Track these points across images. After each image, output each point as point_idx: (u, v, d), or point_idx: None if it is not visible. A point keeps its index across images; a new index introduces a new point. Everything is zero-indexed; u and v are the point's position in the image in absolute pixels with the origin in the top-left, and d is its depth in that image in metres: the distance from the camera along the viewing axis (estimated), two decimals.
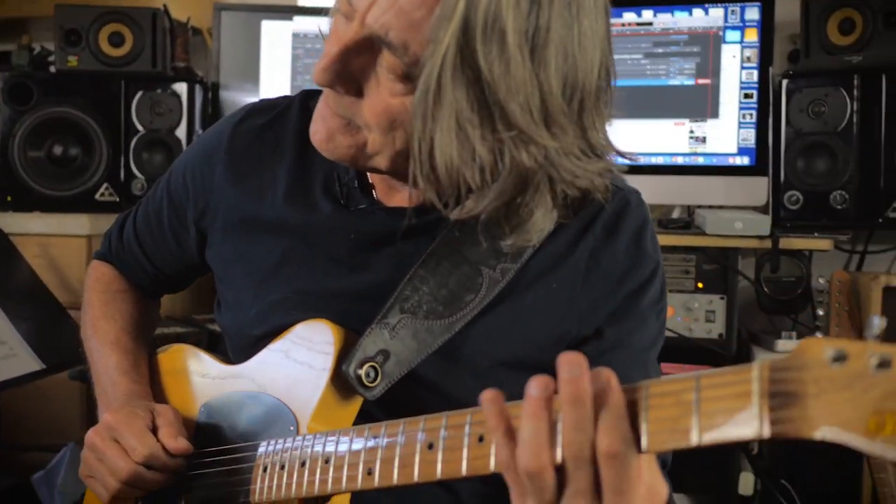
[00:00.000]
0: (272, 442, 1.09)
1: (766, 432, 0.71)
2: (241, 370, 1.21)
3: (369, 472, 0.96)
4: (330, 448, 1.01)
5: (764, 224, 2.44)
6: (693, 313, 2.51)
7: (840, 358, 0.69)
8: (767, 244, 2.46)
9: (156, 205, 1.38)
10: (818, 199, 2.45)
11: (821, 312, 2.38)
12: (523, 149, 0.94)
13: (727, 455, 2.27)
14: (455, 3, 0.89)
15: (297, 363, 1.13)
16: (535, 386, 0.79)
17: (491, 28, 0.90)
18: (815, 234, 2.47)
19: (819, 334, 2.36)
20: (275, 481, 1.06)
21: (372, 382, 1.07)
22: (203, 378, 1.27)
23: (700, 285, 2.55)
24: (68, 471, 1.64)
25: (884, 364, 0.67)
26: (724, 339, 2.50)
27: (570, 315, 1.11)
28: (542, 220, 1.02)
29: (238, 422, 1.18)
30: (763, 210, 2.61)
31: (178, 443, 1.15)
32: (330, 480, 1.00)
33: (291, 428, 1.09)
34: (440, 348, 1.09)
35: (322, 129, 1.05)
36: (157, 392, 1.32)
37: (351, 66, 0.99)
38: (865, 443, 0.66)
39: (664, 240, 2.48)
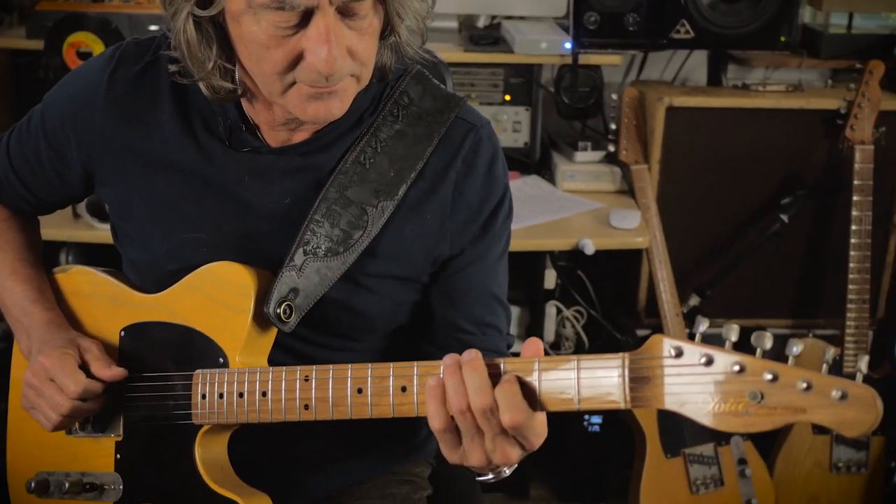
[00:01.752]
0: (206, 372, 1.29)
1: (628, 405, 1.00)
2: (157, 301, 1.37)
3: (306, 407, 1.20)
4: (265, 384, 1.22)
5: (565, 43, 2.67)
6: (502, 124, 2.77)
7: (678, 353, 0.97)
8: (568, 60, 2.70)
9: (31, 143, 1.43)
10: (614, 19, 2.69)
11: (613, 126, 2.70)
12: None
13: (534, 259, 2.63)
14: None
15: (215, 301, 1.31)
16: (448, 357, 1.09)
17: None
18: (609, 51, 2.73)
19: (611, 147, 2.70)
20: (215, 408, 1.27)
21: (287, 318, 1.28)
22: (116, 303, 1.41)
23: (507, 98, 2.80)
24: None
25: (709, 362, 0.96)
26: (529, 146, 2.79)
27: (441, 240, 1.33)
28: None
29: (162, 348, 1.35)
30: (563, 22, 2.83)
31: (111, 371, 1.32)
32: (270, 411, 1.22)
33: (221, 360, 1.29)
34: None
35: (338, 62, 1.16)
36: (67, 315, 1.44)
37: (339, 41, 1.14)
38: (696, 417, 0.96)
39: (475, 57, 2.68)
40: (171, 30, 1.22)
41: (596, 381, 1.02)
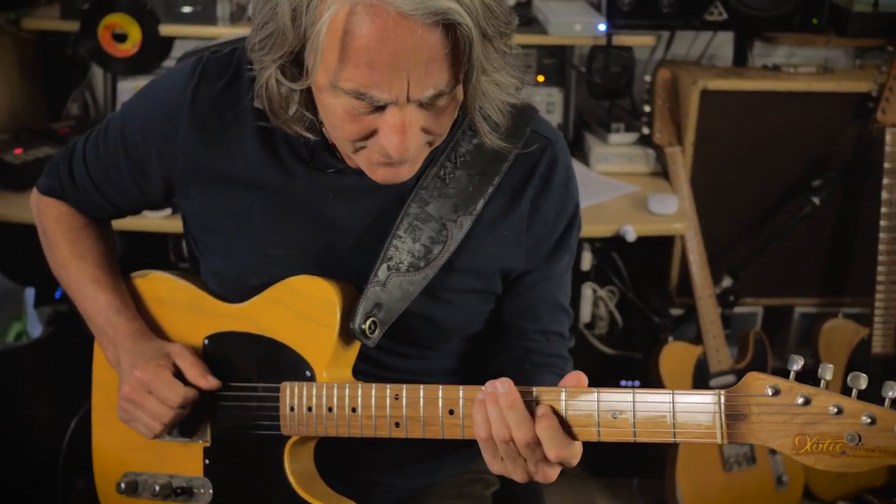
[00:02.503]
0: (293, 385, 1.32)
1: (725, 440, 1.05)
2: (240, 311, 1.40)
3: (397, 425, 1.24)
4: (354, 400, 1.27)
5: (599, 25, 2.68)
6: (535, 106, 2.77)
7: (776, 392, 1.02)
8: (602, 41, 2.71)
9: (110, 154, 1.44)
10: (648, 1, 2.69)
11: (647, 109, 2.71)
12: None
13: None
14: (469, 35, 1.08)
15: (300, 315, 1.34)
16: (489, 385, 1.16)
17: (486, 12, 1.11)
18: (642, 32, 2.74)
19: (645, 129, 2.72)
20: (304, 420, 1.31)
21: (372, 333, 1.32)
22: (198, 311, 1.44)
23: (540, 79, 2.81)
24: None
25: (806, 402, 1.00)
26: (562, 128, 2.81)
27: (517, 255, 1.37)
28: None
29: (246, 358, 1.39)
30: (596, 4, 2.84)
31: (209, 382, 1.37)
32: (360, 426, 1.27)
33: (308, 374, 1.33)
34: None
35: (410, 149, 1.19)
36: (148, 320, 1.48)
37: (414, 129, 1.16)
38: (791, 454, 1.01)
39: None
40: (250, 50, 1.22)
41: (692, 416, 1.06)
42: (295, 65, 1.16)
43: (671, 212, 2.49)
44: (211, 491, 1.42)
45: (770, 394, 1.01)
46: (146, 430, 1.38)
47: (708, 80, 2.67)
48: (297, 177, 1.34)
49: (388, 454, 1.46)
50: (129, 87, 2.82)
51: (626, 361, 2.80)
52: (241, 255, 1.39)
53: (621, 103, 2.93)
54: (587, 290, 2.72)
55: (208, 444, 1.42)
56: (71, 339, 2.57)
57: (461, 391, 1.20)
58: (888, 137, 2.62)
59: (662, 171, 2.72)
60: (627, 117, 2.88)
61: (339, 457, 1.39)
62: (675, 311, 2.77)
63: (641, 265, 2.85)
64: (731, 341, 2.69)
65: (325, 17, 1.07)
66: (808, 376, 2.84)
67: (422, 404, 1.22)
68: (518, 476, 1.16)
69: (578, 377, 1.15)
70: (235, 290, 1.41)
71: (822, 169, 2.74)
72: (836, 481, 2.77)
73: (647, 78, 2.75)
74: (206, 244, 1.44)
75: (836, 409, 0.98)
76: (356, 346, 1.35)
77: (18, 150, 2.53)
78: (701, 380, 2.60)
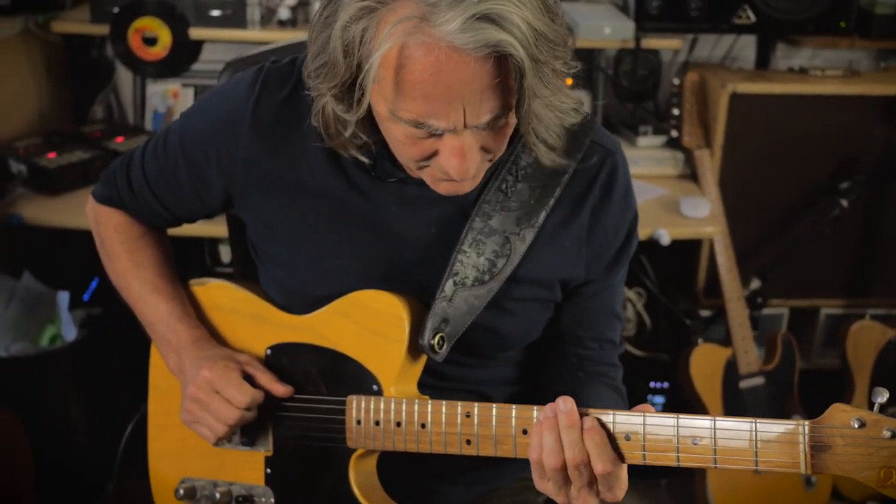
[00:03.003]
0: (360, 398, 1.34)
1: (809, 471, 1.06)
2: (304, 322, 1.41)
3: (468, 443, 1.26)
4: (424, 416, 1.28)
5: (629, 30, 2.69)
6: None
7: (862, 425, 1.03)
8: (630, 44, 2.72)
9: (170, 164, 1.44)
10: (676, 4, 2.70)
11: (676, 112, 2.73)
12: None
13: None
14: (521, 64, 1.08)
15: (367, 329, 1.35)
16: (548, 409, 1.18)
17: (539, 39, 1.11)
18: (669, 36, 2.76)
19: (674, 132, 2.73)
20: (371, 434, 1.33)
21: (440, 348, 1.33)
22: (260, 321, 1.45)
23: (569, 81, 2.81)
24: None
25: (893, 436, 1.01)
26: None
27: (577, 265, 1.38)
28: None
29: (310, 370, 1.40)
30: (617, 2, 2.85)
31: (284, 388, 1.38)
32: (430, 442, 1.28)
33: (374, 388, 1.34)
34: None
35: (470, 170, 1.20)
36: (208, 328, 1.48)
37: (473, 150, 1.17)
38: (876, 486, 1.02)
39: None
40: (307, 77, 1.25)
41: (776, 446, 1.08)
42: (350, 92, 1.18)
43: (703, 215, 2.51)
44: (272, 500, 1.43)
45: (856, 426, 1.02)
46: (210, 432, 1.39)
47: (737, 83, 2.68)
48: (360, 186, 1.35)
49: (447, 464, 1.46)
50: (158, 91, 2.84)
51: (654, 363, 2.82)
52: (304, 265, 1.40)
53: (646, 106, 2.94)
54: None
55: (270, 454, 1.43)
56: (104, 342, 2.60)
57: (535, 411, 1.21)
58: None
59: (690, 174, 2.74)
60: (653, 120, 2.89)
61: (400, 466, 1.40)
62: (704, 313, 2.79)
63: (668, 267, 2.87)
64: (758, 342, 2.71)
65: (377, 54, 1.09)
66: (834, 377, 2.81)
67: (494, 423, 1.24)
68: (560, 499, 1.20)
69: (645, 407, 1.17)
70: (298, 300, 1.42)
71: (849, 171, 2.75)
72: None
73: (676, 81, 2.77)
74: (267, 254, 1.45)
75: None
76: (423, 360, 1.36)
77: (52, 154, 2.54)
78: (730, 381, 2.62)
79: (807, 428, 1.05)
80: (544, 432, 1.15)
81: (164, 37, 2.71)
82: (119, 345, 2.63)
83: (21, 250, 2.72)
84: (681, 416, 1.13)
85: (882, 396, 1.03)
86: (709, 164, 2.68)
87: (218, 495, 1.46)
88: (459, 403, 1.26)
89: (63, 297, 2.54)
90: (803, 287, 2.88)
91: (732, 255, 2.66)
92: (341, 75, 1.16)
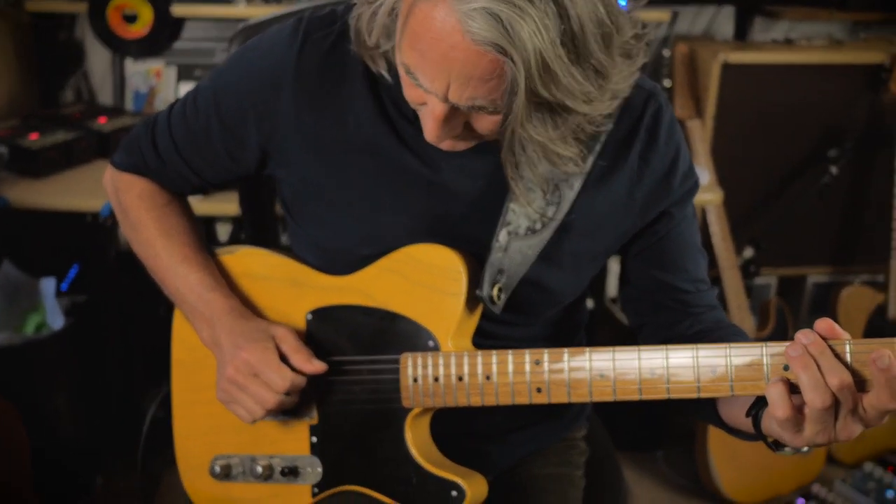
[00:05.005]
0: (415, 355, 1.30)
1: None
2: (349, 283, 1.36)
3: (539, 391, 1.22)
4: (489, 367, 1.25)
5: (620, 1, 2.67)
6: None
7: None
8: None
9: (201, 122, 1.39)
10: None
11: (667, 84, 2.73)
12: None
13: None
14: (516, 79, 1.04)
15: (420, 285, 1.31)
16: (793, 347, 1.06)
17: (546, 76, 1.05)
18: (655, 8, 2.75)
19: None
20: (430, 391, 1.29)
21: (499, 299, 1.30)
22: (298, 285, 1.40)
23: None
24: None
25: None
26: None
27: (631, 212, 1.34)
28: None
29: (356, 332, 1.35)
30: None
31: (314, 366, 1.32)
32: (496, 394, 1.25)
33: (430, 344, 1.30)
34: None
35: (445, 140, 1.17)
36: (241, 298, 1.42)
37: (452, 122, 1.14)
38: None
39: None
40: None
41: None
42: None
43: (703, 183, 2.50)
44: (320, 469, 1.38)
45: None
46: (247, 414, 1.33)
47: (728, 53, 2.69)
48: (407, 139, 1.31)
49: (485, 424, 1.45)
50: (138, 70, 2.76)
51: None
52: (348, 223, 1.35)
53: None
54: (612, 264, 2.73)
55: (315, 422, 1.38)
56: (92, 330, 2.51)
57: (613, 354, 1.18)
58: None
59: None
60: None
61: (445, 430, 1.37)
62: None
63: None
64: (750, 311, 2.73)
65: None
66: None
67: (566, 368, 1.21)
68: (822, 437, 1.06)
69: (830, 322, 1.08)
70: (341, 261, 1.37)
71: (838, 139, 2.79)
72: (856, 445, 2.83)
73: (666, 53, 2.77)
74: (306, 213, 1.39)
75: None
76: (478, 314, 1.32)
77: (34, 136, 2.45)
78: None
79: None
80: (799, 373, 1.04)
81: (145, 14, 2.63)
82: (109, 332, 2.54)
83: (1, 237, 2.62)
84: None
85: None
86: (701, 134, 2.69)
87: (260, 469, 1.41)
88: (527, 351, 1.23)
89: (48, 284, 2.45)
90: (791, 255, 2.91)
91: (726, 225, 2.67)
92: None
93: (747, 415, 1.15)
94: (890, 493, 2.56)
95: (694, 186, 1.37)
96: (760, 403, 1.14)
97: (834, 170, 2.73)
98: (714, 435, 2.62)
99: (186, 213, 1.50)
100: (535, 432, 1.51)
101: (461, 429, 1.41)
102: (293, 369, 1.32)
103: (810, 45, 2.80)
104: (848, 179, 2.86)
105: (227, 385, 1.33)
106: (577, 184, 1.30)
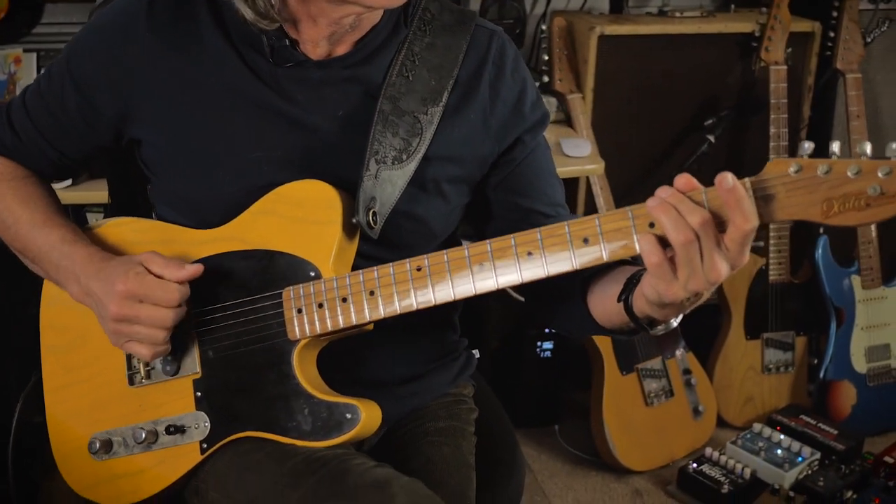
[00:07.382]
0: (297, 287, 1.26)
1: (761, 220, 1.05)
2: (221, 234, 1.33)
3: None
4: (372, 283, 1.23)
5: None
6: None
7: (798, 169, 1.04)
8: None
9: (54, 91, 1.38)
10: None
11: (546, 57, 2.74)
12: None
13: None
14: None
15: (295, 220, 1.28)
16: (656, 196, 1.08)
17: None
18: None
19: (545, 77, 2.74)
20: (314, 319, 1.25)
21: (375, 224, 1.29)
22: (172, 244, 1.35)
23: None
24: None
25: (827, 171, 1.04)
26: None
27: (487, 138, 1.39)
28: None
29: (233, 278, 1.31)
30: None
31: (187, 270, 1.29)
32: (381, 307, 1.22)
33: (312, 274, 1.27)
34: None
35: None
36: None
37: None
38: (822, 219, 1.04)
39: None
40: None
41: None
42: None
43: (585, 154, 2.52)
44: (206, 424, 1.32)
45: (793, 172, 1.04)
46: (149, 344, 1.29)
47: (604, 25, 2.72)
48: (261, 75, 1.32)
49: (376, 373, 1.43)
50: None
51: None
52: (216, 167, 1.33)
53: None
54: None
55: (198, 376, 1.33)
56: None
57: (489, 244, 1.17)
58: (772, 75, 2.75)
59: (565, 118, 2.76)
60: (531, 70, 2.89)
61: (330, 377, 1.33)
62: None
63: None
64: None
65: None
66: (710, 310, 2.89)
67: (448, 269, 1.19)
68: (694, 282, 1.06)
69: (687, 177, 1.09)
70: (211, 209, 1.34)
71: (714, 108, 2.84)
72: (744, 407, 2.88)
73: (543, 27, 2.78)
74: (170, 166, 1.37)
75: (855, 170, 1.01)
76: (356, 241, 1.31)
77: None
78: None
79: (748, 183, 1.05)
80: (661, 217, 1.05)
81: None
82: None
83: None
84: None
85: (807, 147, 1.06)
86: (581, 107, 2.70)
87: (144, 434, 1.35)
88: (408, 260, 1.22)
89: None
90: None
91: (610, 195, 2.69)
92: None
93: (619, 300, 1.18)
94: (779, 451, 2.61)
95: (544, 117, 1.45)
96: (630, 288, 1.17)
97: (711, 138, 2.78)
98: (608, 406, 2.63)
99: (46, 186, 1.49)
100: (422, 385, 1.50)
101: (348, 376, 1.37)
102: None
103: (683, 17, 2.85)
104: (725, 147, 2.92)
105: (116, 325, 1.29)
106: (437, 116, 1.35)
